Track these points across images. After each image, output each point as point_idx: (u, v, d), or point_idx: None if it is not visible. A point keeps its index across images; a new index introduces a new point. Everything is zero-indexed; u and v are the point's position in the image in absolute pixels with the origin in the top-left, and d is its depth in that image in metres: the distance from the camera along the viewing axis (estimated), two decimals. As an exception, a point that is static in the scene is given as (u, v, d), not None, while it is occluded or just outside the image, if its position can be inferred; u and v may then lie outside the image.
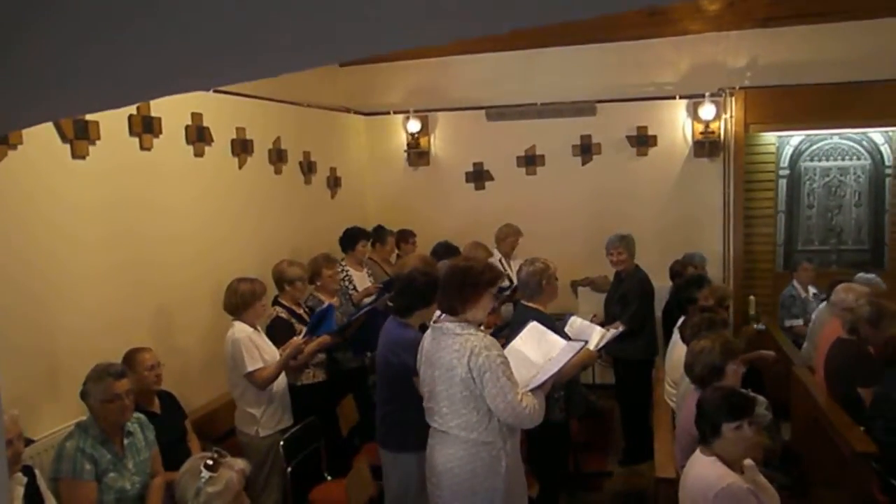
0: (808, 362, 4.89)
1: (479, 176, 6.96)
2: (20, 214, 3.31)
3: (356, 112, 7.00)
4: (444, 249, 5.26)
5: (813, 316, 5.29)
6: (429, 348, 3.03)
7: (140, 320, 3.99)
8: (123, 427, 3.05)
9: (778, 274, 6.59)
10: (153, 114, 4.12)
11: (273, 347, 4.00)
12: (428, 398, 3.03)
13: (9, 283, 3.22)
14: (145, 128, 4.06)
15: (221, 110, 4.75)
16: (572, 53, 6.46)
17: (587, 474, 4.95)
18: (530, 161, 6.81)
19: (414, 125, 6.91)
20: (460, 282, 2.96)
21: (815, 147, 6.52)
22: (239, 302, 3.91)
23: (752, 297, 6.00)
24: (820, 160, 6.54)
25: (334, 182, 6.49)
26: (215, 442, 3.75)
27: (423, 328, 3.25)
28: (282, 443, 3.83)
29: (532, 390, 2.90)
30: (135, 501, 3.03)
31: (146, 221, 4.07)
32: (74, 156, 3.60)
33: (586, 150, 6.67)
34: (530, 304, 3.82)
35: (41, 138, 3.40)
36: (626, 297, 5.06)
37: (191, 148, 4.50)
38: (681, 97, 6.41)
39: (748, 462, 2.77)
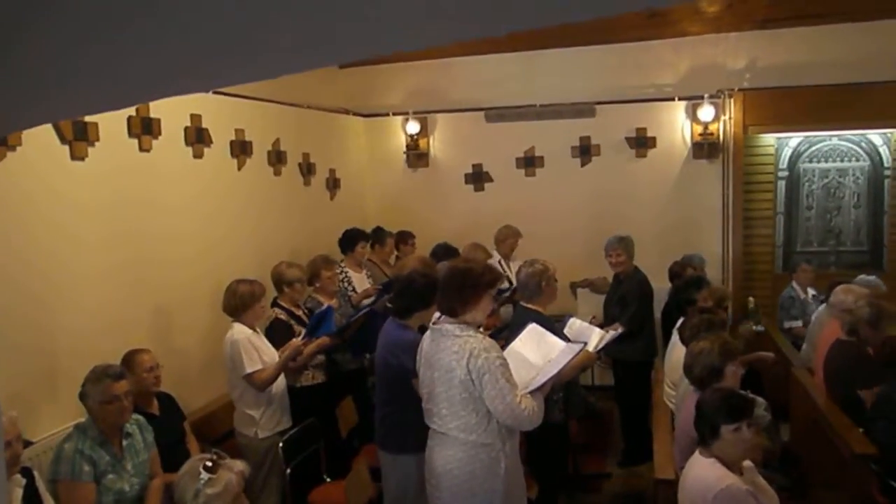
0: (808, 364, 4.89)
1: (478, 177, 6.96)
2: (19, 215, 3.31)
3: (355, 113, 7.01)
4: (444, 251, 5.26)
5: (813, 317, 5.29)
6: (428, 350, 3.03)
7: (139, 321, 3.99)
8: (122, 428, 3.05)
9: (777, 275, 6.59)
10: (152, 115, 4.12)
11: (272, 349, 4.00)
12: (427, 400, 3.03)
13: (8, 284, 3.22)
14: (144, 129, 4.07)
15: (221, 112, 4.75)
16: (571, 55, 6.47)
17: (586, 476, 4.94)
18: (529, 162, 6.81)
19: (413, 126, 6.92)
20: (460, 283, 2.95)
21: (814, 148, 6.53)
22: (238, 303, 3.90)
23: (750, 298, 6.00)
24: (819, 162, 6.55)
25: (333, 183, 6.49)
26: (214, 443, 3.74)
27: (423, 330, 3.25)
28: (281, 444, 3.83)
29: (531, 392, 2.90)
30: (133, 503, 3.02)
31: (145, 222, 4.07)
32: (73, 157, 3.60)
33: (585, 151, 6.68)
34: (529, 306, 3.83)
35: (40, 139, 3.40)
36: (625, 298, 5.06)
37: (190, 149, 4.50)
38: (680, 99, 6.41)
39: (747, 463, 2.77)
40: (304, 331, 4.19)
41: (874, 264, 6.43)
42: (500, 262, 5.77)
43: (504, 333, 4.00)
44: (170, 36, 0.89)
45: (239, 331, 3.88)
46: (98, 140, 3.72)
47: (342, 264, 5.26)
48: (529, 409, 2.83)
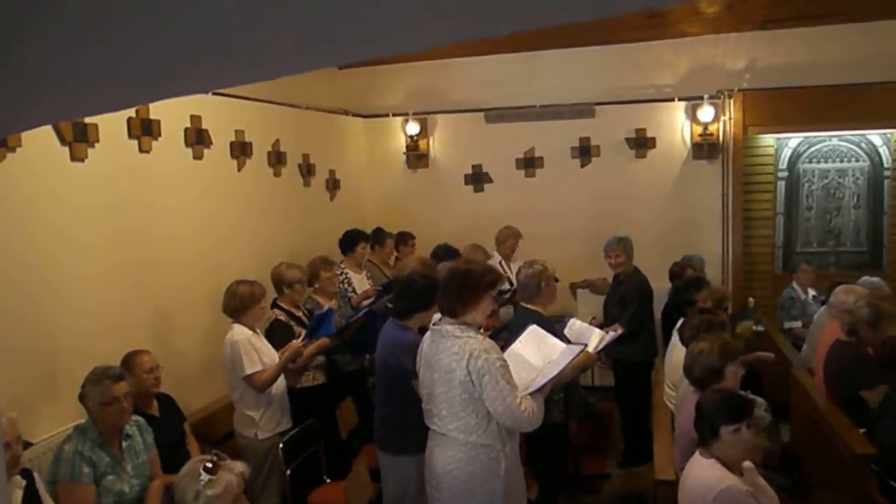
0: (808, 364, 4.89)
1: (478, 178, 6.97)
2: (19, 216, 3.31)
3: (355, 114, 7.01)
4: (444, 252, 5.26)
5: (815, 318, 5.29)
6: (428, 351, 3.03)
7: (139, 322, 3.98)
8: (122, 430, 3.04)
9: (777, 276, 6.59)
10: (152, 116, 4.13)
11: (272, 350, 4.00)
12: (427, 400, 3.03)
13: (8, 285, 3.22)
14: (144, 130, 4.07)
15: (220, 113, 4.75)
16: (571, 56, 6.47)
17: (586, 476, 4.94)
18: (529, 163, 6.81)
19: (413, 127, 6.92)
20: (460, 284, 2.95)
21: (813, 149, 6.53)
22: (238, 304, 3.90)
23: (750, 299, 6.00)
24: (818, 162, 6.55)
25: (333, 184, 6.49)
26: (214, 444, 3.74)
27: (423, 330, 3.25)
28: (281, 445, 3.83)
29: (531, 393, 2.90)
30: (133, 504, 3.02)
31: (145, 224, 4.07)
32: (73, 158, 3.60)
33: (585, 152, 6.68)
34: (529, 306, 3.83)
35: (40, 141, 3.40)
36: (624, 299, 5.06)
37: (190, 150, 4.50)
38: (679, 99, 6.42)
39: (747, 464, 2.77)
40: (303, 332, 4.20)
41: (874, 265, 6.43)
42: (500, 262, 5.77)
43: (503, 334, 4.00)
44: (170, 36, 0.89)
45: (239, 332, 3.88)
46: (98, 141, 3.72)
47: (342, 265, 5.26)
48: (529, 410, 2.83)
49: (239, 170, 5.05)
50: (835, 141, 6.47)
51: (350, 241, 5.39)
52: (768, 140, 6.48)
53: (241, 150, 5.06)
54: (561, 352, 3.14)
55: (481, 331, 3.05)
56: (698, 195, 6.46)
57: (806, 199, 6.61)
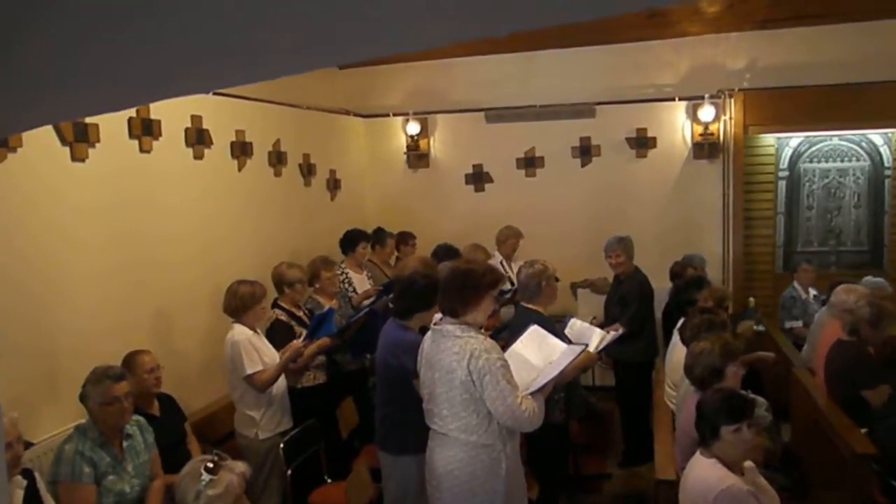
0: (808, 364, 4.89)
1: (478, 178, 6.97)
2: (20, 216, 3.31)
3: (355, 114, 7.01)
4: (445, 251, 5.26)
5: (815, 317, 5.29)
6: (429, 350, 3.03)
7: (140, 322, 3.99)
8: (122, 430, 3.04)
9: (777, 275, 6.59)
10: (153, 116, 4.13)
11: (273, 350, 4.00)
12: (428, 400, 3.03)
13: (9, 285, 3.22)
14: (145, 130, 4.07)
15: (221, 113, 4.76)
16: (571, 55, 6.46)
17: (587, 476, 4.94)
18: (530, 163, 6.81)
19: (413, 127, 6.92)
20: (461, 284, 2.95)
21: (814, 148, 6.53)
22: (239, 304, 3.90)
23: (751, 298, 6.00)
24: (819, 162, 6.54)
25: (334, 184, 6.50)
26: (215, 444, 3.74)
27: (424, 330, 3.25)
28: (281, 445, 3.83)
29: (532, 393, 2.90)
30: (134, 504, 3.03)
31: (146, 224, 4.07)
32: (74, 158, 3.60)
33: (585, 151, 6.68)
34: (530, 306, 3.83)
35: (41, 141, 3.41)
36: (625, 298, 5.06)
37: (190, 150, 4.50)
38: (680, 99, 6.41)
39: (748, 464, 2.77)
40: (304, 332, 4.20)
41: (875, 264, 6.43)
42: (501, 262, 5.77)
43: (504, 334, 4.00)
44: (170, 36, 0.89)
45: (239, 332, 3.88)
46: (98, 141, 3.72)
47: (342, 265, 5.26)
48: (530, 410, 2.83)
49: (239, 170, 5.05)
50: (835, 140, 6.47)
51: (351, 240, 5.39)
52: (769, 139, 6.48)
53: (241, 149, 5.06)
54: (562, 352, 3.14)
55: (482, 330, 3.05)
56: (699, 195, 6.46)
57: (807, 198, 6.60)
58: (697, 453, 2.77)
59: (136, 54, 0.93)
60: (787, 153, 6.56)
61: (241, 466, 2.52)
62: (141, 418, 3.22)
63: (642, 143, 6.55)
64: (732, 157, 6.23)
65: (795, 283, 5.93)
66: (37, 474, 2.75)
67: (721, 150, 6.36)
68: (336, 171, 6.52)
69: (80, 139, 3.61)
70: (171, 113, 4.26)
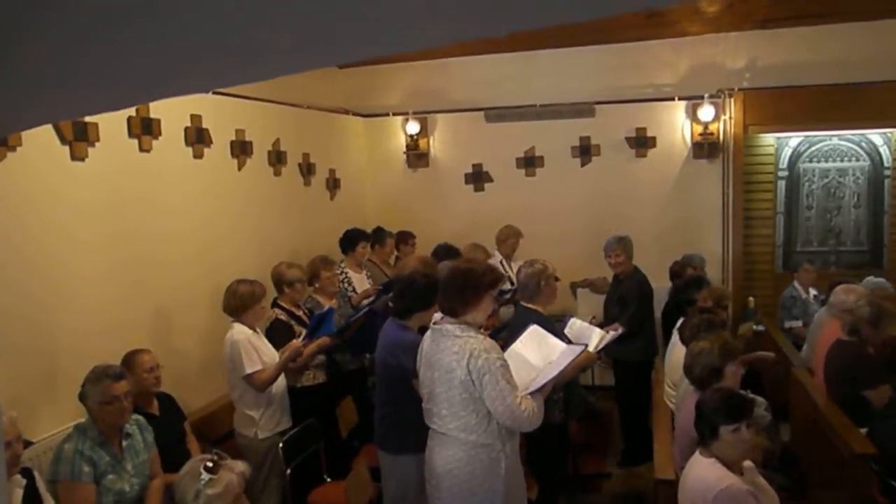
0: (808, 364, 4.89)
1: (478, 177, 6.97)
2: (19, 215, 3.31)
3: (355, 114, 7.01)
4: (445, 251, 5.26)
5: (815, 317, 5.29)
6: (428, 350, 3.03)
7: (139, 322, 3.99)
8: (122, 429, 3.04)
9: (777, 275, 6.60)
10: (152, 115, 4.13)
11: (272, 349, 4.00)
12: (427, 400, 3.03)
13: (8, 284, 3.22)
14: (144, 129, 4.07)
15: (220, 112, 4.75)
16: (571, 55, 6.46)
17: (586, 476, 4.94)
18: (529, 162, 6.81)
19: (413, 127, 6.92)
20: (461, 284, 2.95)
21: (814, 148, 6.53)
22: (238, 304, 3.90)
23: (751, 299, 6.01)
24: (819, 161, 6.55)
25: (333, 184, 6.50)
26: (214, 444, 3.75)
27: (423, 330, 3.25)
28: (281, 445, 3.83)
29: (531, 393, 2.90)
30: (133, 503, 3.02)
31: (145, 223, 4.07)
32: (74, 157, 3.60)
33: (585, 151, 6.68)
34: (529, 306, 3.83)
35: (40, 140, 3.41)
36: (624, 298, 5.06)
37: (190, 150, 4.50)
38: (680, 98, 6.41)
39: (747, 464, 2.77)
40: (304, 331, 4.20)
41: (874, 264, 6.44)
42: (501, 262, 5.77)
43: (503, 333, 4.00)
44: (170, 36, 0.89)
45: (239, 331, 3.88)
46: (98, 140, 3.72)
47: (342, 265, 5.26)
48: (529, 410, 2.83)
49: (239, 169, 5.05)
50: (835, 140, 6.47)
51: (350, 240, 5.39)
52: (769, 139, 6.48)
53: (241, 149, 5.06)
54: (561, 352, 3.14)
55: (481, 330, 3.05)
56: (699, 194, 6.46)
57: (806, 198, 6.60)
58: (697, 453, 2.77)
59: (136, 54, 0.93)
60: (786, 153, 6.56)
61: (240, 466, 2.52)
62: (140, 417, 3.22)
63: (642, 142, 6.55)
64: (732, 156, 6.23)
65: (796, 283, 5.93)
66: (36, 473, 2.75)
67: (721, 149, 6.36)
68: (336, 170, 6.52)
69: (79, 138, 3.61)
70: (171, 112, 4.26)
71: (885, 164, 6.40)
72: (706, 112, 6.26)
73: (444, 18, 0.85)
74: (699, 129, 6.35)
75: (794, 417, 4.91)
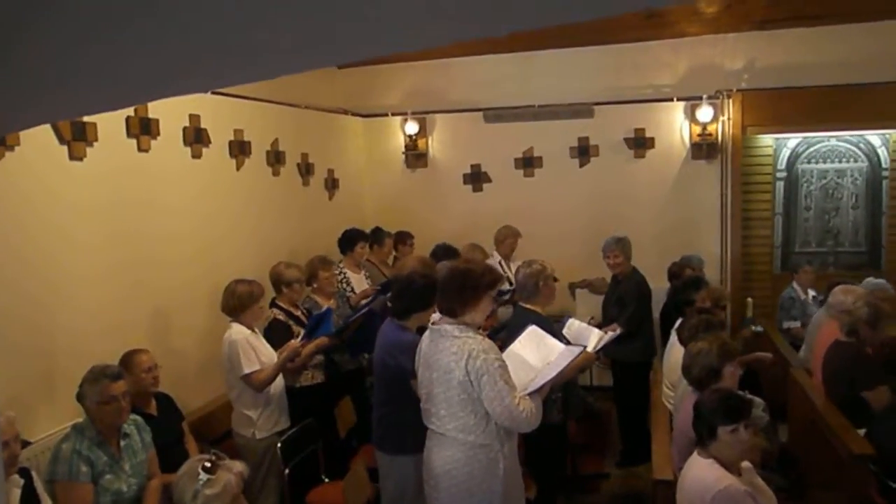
0: (806, 364, 4.89)
1: (476, 178, 6.97)
2: (18, 215, 3.31)
3: (354, 114, 7.01)
4: (444, 251, 5.25)
5: (813, 318, 5.29)
6: (427, 350, 3.03)
7: (137, 322, 3.98)
8: (120, 429, 3.04)
9: (775, 276, 6.60)
10: (151, 115, 4.12)
11: (270, 349, 4.00)
12: (425, 400, 3.03)
13: (6, 284, 3.21)
14: (143, 129, 4.06)
15: (219, 112, 4.75)
16: (570, 55, 6.47)
17: (584, 476, 4.94)
18: (528, 163, 6.82)
19: (412, 127, 6.92)
20: (460, 284, 2.95)
21: (812, 149, 6.53)
22: (237, 304, 3.90)
23: (749, 300, 6.01)
24: (817, 162, 6.55)
25: (332, 184, 6.49)
26: (212, 444, 3.74)
27: (422, 330, 3.25)
28: (279, 445, 3.82)
29: (530, 394, 2.90)
30: (131, 503, 3.02)
31: (144, 223, 4.06)
32: (72, 157, 3.60)
33: (584, 152, 6.68)
34: (528, 306, 3.83)
35: (39, 140, 3.40)
36: (623, 299, 5.07)
37: (188, 149, 4.50)
38: (678, 99, 6.42)
39: (746, 464, 2.78)
40: (302, 331, 4.19)
41: (872, 265, 6.44)
42: (499, 262, 5.78)
43: (501, 334, 4.00)
44: (170, 36, 0.89)
45: (237, 331, 3.88)
46: (97, 140, 3.71)
47: (340, 265, 5.26)
48: (527, 410, 2.83)
49: (238, 169, 5.05)
50: (833, 141, 6.48)
51: (349, 240, 5.39)
52: (767, 140, 6.49)
53: (239, 149, 5.05)
54: (560, 353, 3.14)
55: (480, 331, 3.05)
56: (697, 195, 6.47)
57: (804, 199, 6.61)
58: (695, 453, 2.78)
59: (135, 54, 0.93)
60: (785, 154, 6.57)
61: (238, 466, 2.52)
62: (138, 417, 3.21)
63: (640, 143, 6.55)
64: (730, 157, 6.24)
65: (794, 284, 5.94)
66: (34, 473, 2.75)
67: (719, 150, 6.37)
68: (334, 170, 6.52)
69: (78, 138, 3.61)
70: (170, 112, 4.26)
71: (884, 166, 6.40)
72: (705, 113, 6.27)
73: (444, 18, 0.85)
74: (698, 129, 6.36)
75: (792, 418, 4.91)
